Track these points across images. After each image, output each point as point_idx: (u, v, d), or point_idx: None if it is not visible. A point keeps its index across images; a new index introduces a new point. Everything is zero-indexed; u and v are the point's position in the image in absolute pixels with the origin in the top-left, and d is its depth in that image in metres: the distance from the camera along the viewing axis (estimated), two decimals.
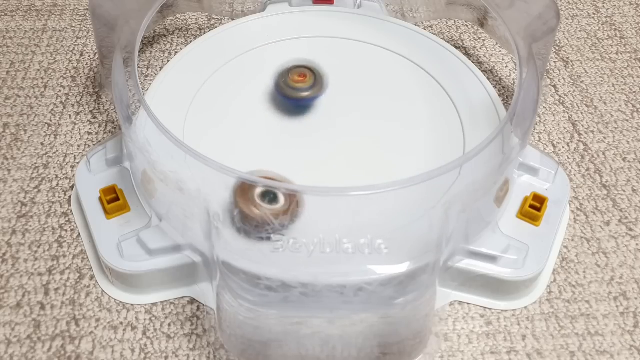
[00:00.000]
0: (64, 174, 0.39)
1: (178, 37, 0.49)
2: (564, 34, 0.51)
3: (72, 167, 0.40)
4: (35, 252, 0.35)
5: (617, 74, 0.47)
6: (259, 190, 0.30)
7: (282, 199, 0.30)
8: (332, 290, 0.28)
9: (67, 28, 0.50)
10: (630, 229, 0.37)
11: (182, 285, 0.33)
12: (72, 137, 0.42)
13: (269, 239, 0.29)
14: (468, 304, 0.34)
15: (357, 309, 0.28)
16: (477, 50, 0.49)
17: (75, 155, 0.40)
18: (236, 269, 0.29)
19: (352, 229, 0.30)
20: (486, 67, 0.48)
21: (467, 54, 0.48)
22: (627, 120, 0.44)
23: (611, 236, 0.37)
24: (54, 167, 0.40)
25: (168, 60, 0.47)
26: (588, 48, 0.50)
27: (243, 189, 0.30)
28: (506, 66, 0.48)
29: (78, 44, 0.49)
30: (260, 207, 0.30)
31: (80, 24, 0.51)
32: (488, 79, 0.41)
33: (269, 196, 0.30)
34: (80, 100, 0.44)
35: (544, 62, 0.40)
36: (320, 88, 0.38)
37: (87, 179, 0.36)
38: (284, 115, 0.39)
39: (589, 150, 0.42)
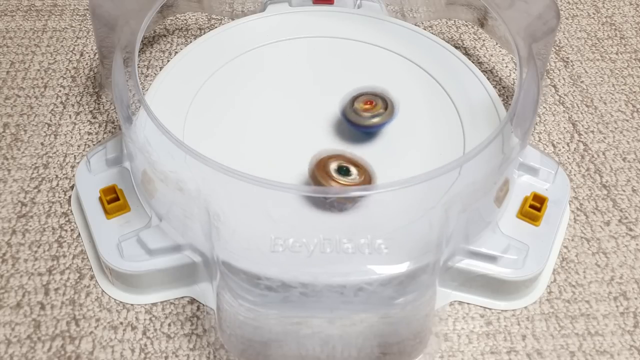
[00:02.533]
0: (64, 174, 0.39)
1: (178, 37, 0.49)
2: (564, 34, 0.51)
3: (72, 167, 0.40)
4: (35, 252, 0.35)
5: (617, 74, 0.47)
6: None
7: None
8: (332, 290, 0.28)
9: (67, 28, 0.50)
10: (630, 229, 0.37)
11: (182, 285, 0.33)
12: (72, 137, 0.42)
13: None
14: (468, 304, 0.34)
15: (357, 309, 0.28)
16: (477, 50, 0.49)
17: (75, 155, 0.40)
18: (236, 269, 0.29)
19: (352, 229, 0.30)
20: (486, 67, 0.48)
21: (467, 54, 0.48)
22: (627, 120, 0.44)
23: (611, 236, 0.37)
24: (54, 167, 0.40)
25: (168, 60, 0.47)
26: (588, 48, 0.50)
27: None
28: (506, 66, 0.48)
29: (78, 44, 0.49)
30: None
31: (80, 24, 0.51)
32: (488, 79, 0.41)
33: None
34: (80, 100, 0.44)
35: (544, 62, 0.40)
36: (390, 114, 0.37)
37: (87, 179, 0.36)
38: (284, 115, 0.39)
39: (589, 150, 0.42)
